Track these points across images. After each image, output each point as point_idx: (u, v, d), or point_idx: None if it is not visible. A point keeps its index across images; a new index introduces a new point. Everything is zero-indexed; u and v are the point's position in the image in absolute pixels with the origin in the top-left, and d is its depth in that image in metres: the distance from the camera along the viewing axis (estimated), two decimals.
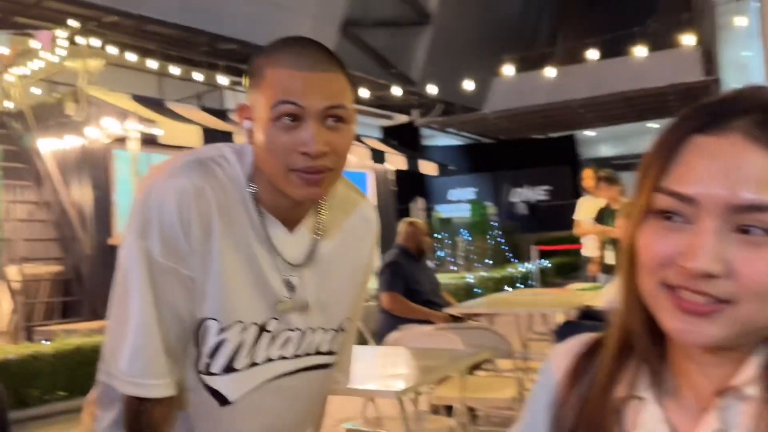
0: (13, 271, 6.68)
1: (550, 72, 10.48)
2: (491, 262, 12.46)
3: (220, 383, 1.04)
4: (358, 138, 10.08)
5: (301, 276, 1.07)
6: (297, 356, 1.09)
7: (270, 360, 1.07)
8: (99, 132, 7.28)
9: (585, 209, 5.40)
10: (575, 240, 12.41)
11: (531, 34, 18.99)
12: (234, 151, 1.05)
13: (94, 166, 7.47)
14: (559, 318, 4.45)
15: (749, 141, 0.53)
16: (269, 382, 1.07)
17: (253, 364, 1.05)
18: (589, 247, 5.42)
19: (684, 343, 0.57)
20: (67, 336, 5.19)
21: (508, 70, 10.58)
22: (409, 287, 3.80)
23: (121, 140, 7.34)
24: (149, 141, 7.04)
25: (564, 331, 3.81)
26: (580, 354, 0.68)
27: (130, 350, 0.97)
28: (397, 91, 11.86)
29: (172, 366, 1.01)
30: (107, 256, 7.46)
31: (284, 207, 1.04)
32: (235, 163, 1.03)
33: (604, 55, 10.48)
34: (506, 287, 9.70)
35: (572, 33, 18.92)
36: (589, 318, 4.00)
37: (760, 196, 0.52)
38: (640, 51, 10.40)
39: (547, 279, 11.37)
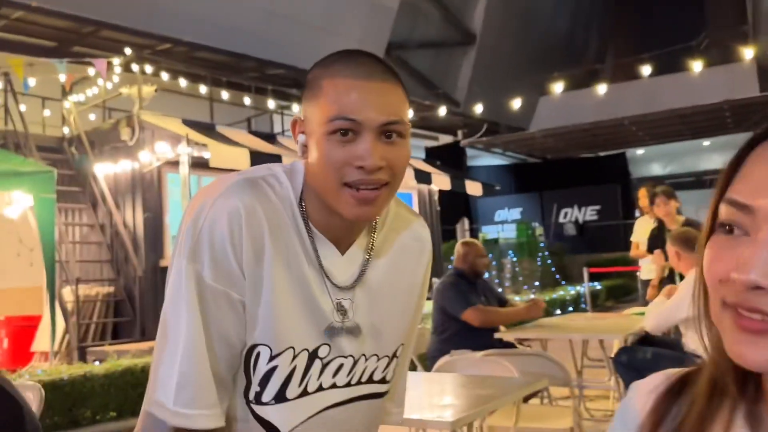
0: (67, 292, 6.84)
1: (599, 89, 10.27)
2: (539, 284, 12.19)
3: (271, 413, 0.99)
4: None
5: (353, 299, 1.03)
6: (349, 385, 1.05)
7: (322, 389, 1.02)
8: (151, 156, 7.46)
9: (642, 230, 5.20)
10: (627, 262, 12.09)
11: (579, 51, 18.76)
12: (285, 170, 1.02)
13: (147, 189, 7.64)
14: (616, 344, 4.27)
15: None
16: (321, 412, 1.02)
17: (305, 393, 1.01)
18: (647, 270, 5.21)
19: (745, 366, 0.51)
20: (118, 357, 5.25)
21: (556, 88, 10.41)
22: None
23: (172, 163, 7.50)
24: (200, 164, 7.17)
25: (622, 358, 3.63)
26: (666, 392, 0.63)
27: (179, 378, 0.93)
28: (442, 111, 11.83)
29: (222, 395, 0.97)
30: (159, 277, 7.59)
31: (336, 227, 1.00)
32: (286, 183, 1.00)
33: (656, 71, 10.21)
34: (557, 311, 9.45)
35: (622, 49, 18.60)
36: (648, 344, 3.82)
37: None
38: (694, 66, 10.10)
39: (598, 302, 11.05)
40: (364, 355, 1.05)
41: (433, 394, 2.26)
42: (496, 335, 3.61)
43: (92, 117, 9.03)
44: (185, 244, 0.94)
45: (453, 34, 14.69)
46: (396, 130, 0.94)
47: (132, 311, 7.45)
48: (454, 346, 3.42)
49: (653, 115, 13.92)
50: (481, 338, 3.53)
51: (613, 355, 3.81)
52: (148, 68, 8.27)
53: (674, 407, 0.61)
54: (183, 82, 8.85)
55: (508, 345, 3.75)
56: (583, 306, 10.00)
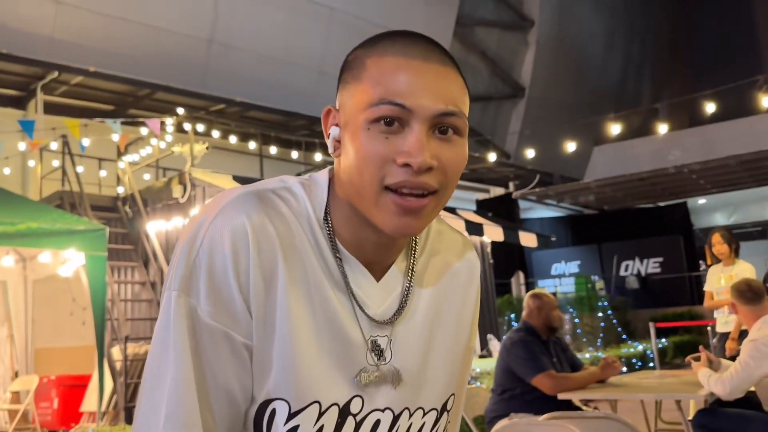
0: (116, 351, 6.80)
1: (655, 136, 9.93)
2: (601, 341, 11.59)
3: None
4: (452, 210, 9.87)
5: (392, 336, 0.82)
6: None
7: None
8: None
9: (716, 278, 4.81)
10: (695, 316, 11.41)
11: (632, 97, 18.43)
12: (301, 182, 0.83)
13: None
14: (693, 405, 3.86)
15: None
16: None
17: None
18: (723, 322, 4.79)
19: None
20: None
21: (610, 136, 10.13)
22: None
23: None
24: None
25: (703, 421, 3.26)
26: None
27: (166, 416, 0.72)
28: (491, 158, 11.66)
29: None
30: None
31: (370, 246, 0.80)
32: (302, 196, 0.81)
33: (715, 117, 9.83)
34: (623, 369, 8.88)
35: (678, 95, 18.18)
36: (730, 405, 3.43)
37: None
38: (754, 110, 9.69)
39: (666, 359, 10.38)
40: (407, 408, 0.83)
41: None
42: (560, 396, 3.28)
43: (146, 177, 9.24)
44: (178, 273, 0.75)
45: (501, 87, 14.66)
46: (453, 123, 0.76)
47: None
48: (515, 409, 3.12)
49: (714, 162, 13.38)
50: (545, 401, 3.21)
51: (691, 418, 3.43)
52: (200, 127, 8.44)
53: None
54: (233, 140, 8.98)
55: (574, 407, 3.41)
56: (650, 364, 9.39)
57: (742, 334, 4.53)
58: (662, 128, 10.00)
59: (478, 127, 14.21)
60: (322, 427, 0.78)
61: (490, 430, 2.87)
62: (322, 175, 0.83)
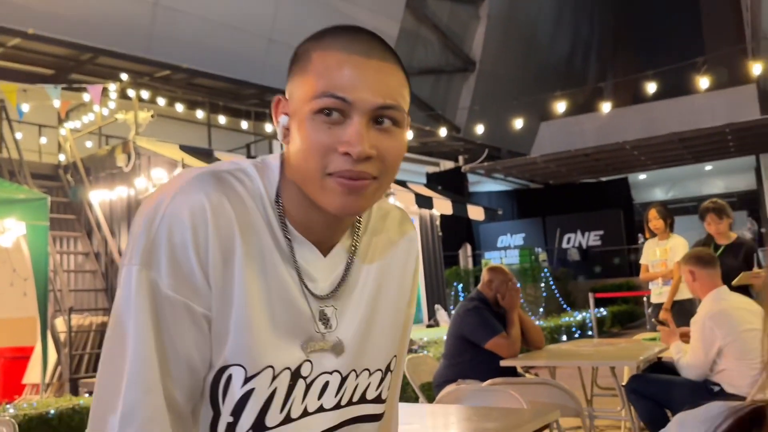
0: (59, 323, 6.67)
1: (600, 111, 10.21)
2: (543, 310, 11.99)
3: None
4: (403, 183, 9.96)
5: (337, 306, 0.89)
6: (339, 406, 0.90)
7: (307, 413, 0.87)
8: (147, 182, 7.35)
9: (651, 252, 5.04)
10: (632, 287, 11.90)
11: (579, 75, 18.81)
12: (254, 164, 0.88)
13: None
14: (627, 371, 4.09)
15: None
16: None
17: (288, 420, 0.85)
18: (657, 293, 5.04)
19: None
20: (90, 396, 5.06)
21: (556, 113, 10.36)
22: None
23: None
24: None
25: (635, 386, 3.45)
26: (726, 427, 0.56)
27: (123, 410, 0.75)
28: (442, 132, 11.77)
29: (187, 428, 0.81)
30: None
31: (318, 225, 0.86)
32: (256, 177, 0.86)
33: (657, 92, 10.16)
34: (563, 337, 9.24)
35: (622, 70, 18.65)
36: (660, 371, 3.64)
37: None
38: (695, 90, 10.07)
39: (604, 328, 10.83)
40: (354, 370, 0.90)
41: (437, 428, 2.09)
42: (504, 363, 3.42)
43: (89, 144, 8.96)
44: (138, 247, 0.78)
45: (452, 60, 14.72)
46: (391, 116, 0.81)
47: None
48: (463, 375, 3.25)
49: (655, 139, 13.86)
50: (491, 368, 3.35)
51: (624, 383, 3.63)
52: (145, 94, 8.22)
53: None
54: (180, 108, 8.78)
55: (516, 374, 3.57)
56: (589, 333, 9.79)
57: (675, 305, 4.79)
58: (606, 106, 10.28)
59: (429, 101, 14.25)
60: (275, 389, 0.83)
61: (437, 394, 2.98)
62: (274, 159, 0.88)
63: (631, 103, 14.91)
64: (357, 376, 0.91)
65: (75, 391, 6.15)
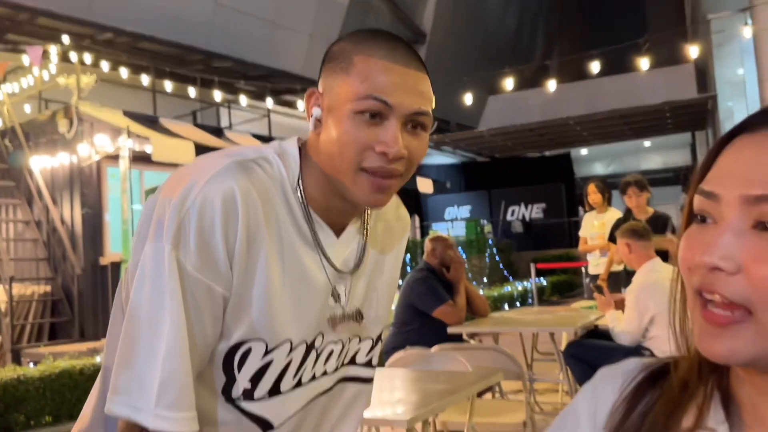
0: (0, 292, 6.50)
1: (545, 88, 10.45)
2: (487, 280, 12.33)
3: (263, 408, 0.93)
4: None
5: (348, 285, 0.98)
6: (337, 369, 1.01)
7: (315, 378, 0.98)
8: (90, 149, 7.16)
9: (590, 225, 5.27)
10: (572, 258, 12.34)
11: (527, 51, 19.08)
12: (276, 151, 0.94)
13: (86, 184, 7.32)
14: (565, 337, 4.31)
15: None
16: (313, 400, 0.98)
17: (299, 384, 0.95)
18: (594, 264, 5.29)
19: (709, 358, 0.53)
20: (55, 359, 5.00)
21: (504, 86, 10.54)
22: None
23: (113, 157, 7.21)
24: (141, 158, 6.92)
25: (573, 351, 3.66)
26: (645, 379, 0.64)
27: (162, 378, 0.82)
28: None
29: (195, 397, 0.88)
30: (98, 276, 7.29)
31: (336, 210, 0.94)
32: (277, 164, 0.92)
33: (601, 70, 10.46)
34: (504, 306, 9.56)
35: (568, 48, 19.02)
36: (596, 337, 3.86)
37: None
38: (636, 68, 10.41)
39: (544, 297, 11.25)
40: (350, 338, 1.02)
41: (387, 390, 2.20)
42: (450, 330, 3.58)
43: (28, 109, 8.62)
44: (168, 228, 0.83)
45: (403, 31, 14.69)
46: (422, 121, 0.90)
47: (70, 311, 7.14)
48: (411, 342, 3.37)
49: (597, 115, 14.27)
50: (438, 335, 3.49)
51: (563, 349, 3.84)
52: (88, 58, 7.94)
53: (648, 394, 0.62)
54: (124, 73, 8.53)
55: (462, 341, 3.73)
56: (529, 301, 10.16)
57: (611, 276, 5.04)
58: (552, 81, 10.51)
59: None
60: (291, 360, 0.93)
61: (386, 360, 3.10)
62: (293, 146, 0.95)
63: (575, 79, 15.26)
64: (350, 342, 1.01)
65: (18, 360, 6.04)
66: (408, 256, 12.30)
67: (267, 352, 0.90)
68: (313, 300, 0.94)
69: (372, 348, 1.05)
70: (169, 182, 0.88)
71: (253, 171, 0.88)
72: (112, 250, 7.47)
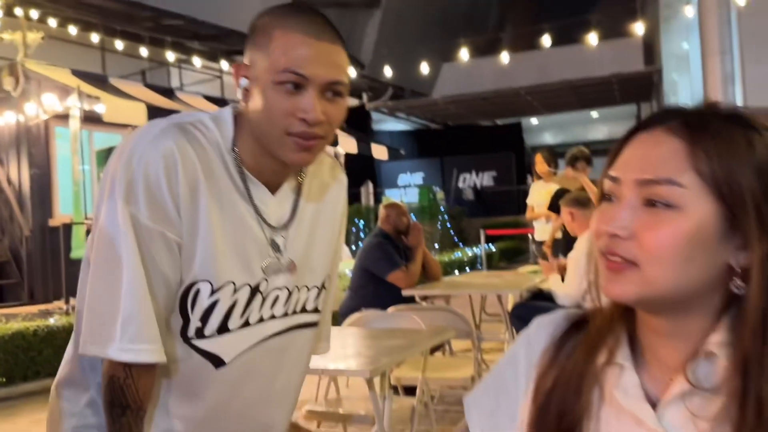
0: None
1: (499, 59, 10.61)
2: (439, 246, 12.59)
3: (214, 345, 1.03)
4: None
5: (286, 236, 1.09)
6: (286, 315, 1.11)
7: (262, 320, 1.07)
8: (38, 108, 6.97)
9: (537, 194, 5.49)
10: (520, 225, 12.72)
11: (481, 19, 19.17)
12: (211, 117, 1.04)
13: (33, 144, 7.15)
14: (511, 299, 4.54)
15: (666, 134, 0.66)
16: (262, 342, 1.08)
17: (247, 324, 1.05)
18: (540, 231, 5.53)
19: (609, 298, 0.68)
20: (7, 320, 4.96)
21: (458, 55, 10.64)
22: None
23: (61, 117, 7.04)
24: (91, 118, 6.78)
25: (518, 312, 3.88)
26: (569, 327, 0.77)
27: (124, 315, 0.94)
28: (351, 73, 11.76)
29: (161, 333, 0.99)
30: (47, 237, 7.18)
31: (269, 170, 1.05)
32: (213, 128, 1.03)
33: (552, 44, 10.67)
34: (455, 271, 9.83)
35: (521, 20, 19.20)
36: (540, 299, 4.09)
37: (659, 175, 0.64)
38: (586, 40, 10.65)
39: (493, 263, 11.58)
40: (297, 287, 1.11)
41: (346, 346, 2.33)
42: (404, 293, 3.74)
43: None
44: (119, 187, 0.95)
45: None
46: (338, 89, 0.99)
47: (18, 273, 7.03)
48: (367, 305, 3.52)
49: (547, 85, 14.56)
50: (392, 297, 3.65)
51: (509, 310, 4.06)
52: (34, 13, 7.65)
53: (572, 339, 0.75)
54: (73, 30, 8.26)
55: (415, 302, 3.90)
56: (479, 266, 10.46)
57: (555, 243, 5.29)
58: (505, 52, 10.67)
59: None
60: (236, 300, 1.03)
61: (343, 322, 3.24)
62: (227, 113, 1.05)
63: (528, 49, 15.47)
64: (299, 291, 1.12)
65: None
66: (362, 222, 12.44)
67: (213, 292, 1.01)
68: (251, 247, 1.04)
69: (318, 295, 1.15)
70: (120, 146, 0.99)
71: (190, 132, 0.99)
72: (62, 212, 7.34)
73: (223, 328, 1.03)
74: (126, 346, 0.94)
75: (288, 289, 1.10)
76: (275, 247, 1.06)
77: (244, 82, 1.00)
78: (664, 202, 0.64)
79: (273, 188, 1.07)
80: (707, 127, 0.65)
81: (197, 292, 1.01)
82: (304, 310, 1.14)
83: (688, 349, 0.67)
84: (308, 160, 1.01)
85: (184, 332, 1.02)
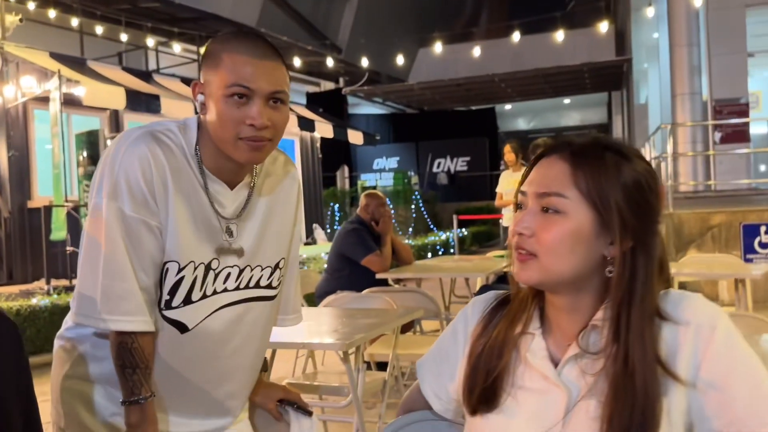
0: None
1: (475, 50, 10.82)
2: (412, 230, 12.84)
3: (180, 314, 1.25)
4: None
5: (239, 225, 1.29)
6: (238, 288, 1.31)
7: (216, 292, 1.28)
8: (17, 90, 7.01)
9: (506, 182, 5.76)
10: (492, 210, 13.01)
11: (456, 8, 19.30)
12: (177, 125, 1.26)
13: (12, 126, 7.19)
14: (479, 282, 4.80)
15: (558, 159, 0.90)
16: (219, 310, 1.28)
17: (205, 296, 1.26)
18: (508, 218, 5.81)
19: (519, 281, 0.91)
20: None
21: (434, 42, 10.83)
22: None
23: (40, 100, 7.09)
24: (68, 101, 6.84)
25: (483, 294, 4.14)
26: (497, 304, 1.00)
27: (102, 291, 1.16)
28: (329, 62, 11.88)
29: (151, 307, 1.21)
30: (26, 219, 7.25)
31: (227, 169, 1.25)
32: (179, 135, 1.24)
33: (526, 32, 10.91)
34: (428, 254, 10.08)
35: (497, 9, 19.38)
36: (504, 282, 4.36)
37: (551, 189, 0.88)
38: (559, 30, 10.91)
39: (465, 247, 11.87)
40: (249, 266, 1.32)
41: (322, 324, 2.56)
42: (377, 276, 3.98)
43: None
44: (105, 186, 1.17)
45: None
46: (279, 98, 1.20)
47: None
48: (342, 287, 3.74)
49: (521, 73, 14.82)
50: (367, 280, 3.88)
51: (475, 292, 4.32)
52: None
53: (498, 313, 0.98)
54: (52, 13, 8.25)
55: (388, 285, 4.14)
56: (451, 251, 10.74)
57: None
58: (480, 39, 10.87)
59: (311, 18, 14.16)
60: (196, 276, 1.25)
61: (319, 303, 3.46)
62: (192, 122, 1.26)
63: (502, 37, 15.69)
64: (251, 269, 1.32)
65: None
66: (337, 205, 12.62)
67: (179, 270, 1.23)
68: (209, 233, 1.26)
69: (272, 274, 1.36)
70: (105, 152, 1.23)
71: (160, 139, 1.21)
72: (41, 194, 7.41)
73: (187, 300, 1.25)
74: (105, 317, 1.18)
75: (239, 267, 1.30)
76: (229, 233, 1.28)
77: (201, 97, 1.23)
78: (554, 209, 0.87)
79: (231, 185, 1.28)
80: (587, 155, 0.89)
81: (166, 271, 1.23)
82: (258, 285, 1.34)
83: (581, 322, 0.90)
84: (259, 159, 1.22)
85: (158, 304, 1.25)
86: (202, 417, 1.32)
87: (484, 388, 0.94)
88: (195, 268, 1.24)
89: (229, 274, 1.29)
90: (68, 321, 1.31)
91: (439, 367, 1.04)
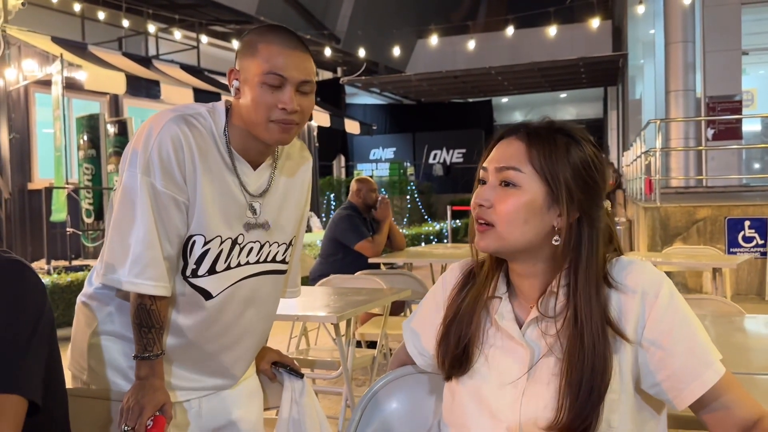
0: None
1: (471, 39, 10.92)
2: (407, 220, 12.98)
3: (205, 283, 1.36)
4: None
5: (262, 202, 1.40)
6: (258, 262, 1.42)
7: (240, 264, 1.39)
8: (19, 73, 7.10)
9: None
10: None
11: (455, 0, 19.36)
12: (207, 109, 1.36)
13: (13, 109, 7.29)
14: None
15: (516, 139, 1.02)
16: (240, 281, 1.40)
17: (229, 267, 1.38)
18: None
19: (479, 250, 1.03)
20: None
21: (432, 34, 10.93)
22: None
23: (41, 83, 7.19)
24: (71, 85, 6.94)
25: None
26: (468, 271, 1.12)
27: (132, 257, 1.27)
28: (327, 51, 11.95)
29: (171, 275, 1.32)
30: (27, 200, 7.36)
31: (253, 150, 1.36)
32: (208, 118, 1.35)
33: (524, 26, 11.01)
34: (422, 244, 10.23)
35: (494, 1, 19.45)
36: None
37: (509, 164, 0.99)
38: (556, 25, 11.01)
39: (458, 237, 12.02)
40: (268, 241, 1.43)
41: (316, 299, 2.71)
42: (370, 260, 4.12)
43: None
44: (140, 161, 1.27)
45: None
46: (308, 86, 1.33)
47: None
48: (336, 271, 3.88)
49: (517, 66, 14.92)
50: (359, 264, 4.03)
51: None
52: None
53: (471, 279, 1.09)
54: None
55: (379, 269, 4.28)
56: (445, 241, 10.89)
57: None
58: (478, 32, 10.98)
59: (309, 8, 14.23)
60: (222, 249, 1.36)
61: (313, 285, 3.61)
62: (221, 106, 1.36)
63: (500, 30, 15.79)
64: (270, 245, 1.44)
65: None
66: (333, 194, 12.75)
67: (205, 243, 1.33)
68: (235, 210, 1.36)
69: (285, 250, 1.48)
70: (138, 131, 1.34)
71: (190, 122, 1.31)
72: (41, 176, 7.52)
73: (212, 270, 1.37)
74: (132, 279, 1.28)
75: (260, 242, 1.41)
76: (252, 210, 1.39)
77: (236, 83, 1.34)
78: (512, 183, 0.99)
79: (255, 165, 1.38)
80: (541, 136, 1.01)
81: (193, 243, 1.34)
82: (274, 260, 1.46)
83: (541, 287, 1.02)
84: (287, 140, 1.34)
85: (183, 272, 1.37)
86: (208, 375, 1.45)
87: (455, 355, 1.04)
88: (222, 242, 1.34)
89: (251, 249, 1.39)
90: (93, 282, 1.42)
91: (421, 328, 1.16)
